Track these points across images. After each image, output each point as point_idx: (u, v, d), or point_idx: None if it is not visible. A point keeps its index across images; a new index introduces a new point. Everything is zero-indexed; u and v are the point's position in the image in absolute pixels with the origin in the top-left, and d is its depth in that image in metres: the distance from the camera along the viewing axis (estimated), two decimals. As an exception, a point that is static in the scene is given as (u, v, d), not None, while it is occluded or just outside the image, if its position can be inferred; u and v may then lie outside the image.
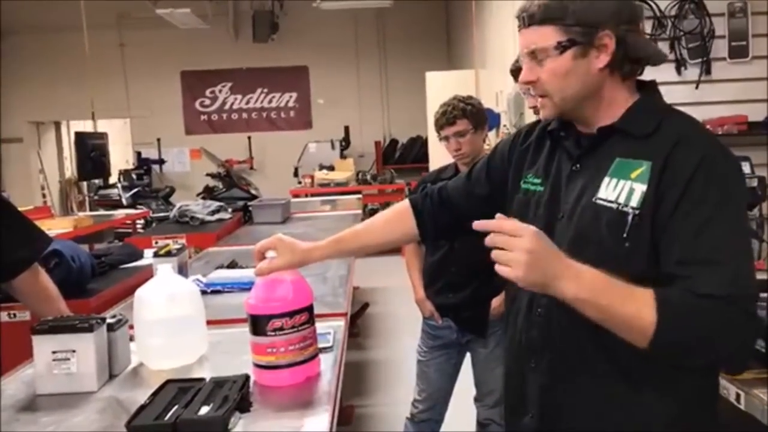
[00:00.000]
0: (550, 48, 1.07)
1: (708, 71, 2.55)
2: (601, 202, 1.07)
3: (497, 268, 0.96)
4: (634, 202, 1.03)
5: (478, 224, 0.97)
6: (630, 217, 1.03)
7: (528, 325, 1.16)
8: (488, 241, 0.96)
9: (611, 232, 1.04)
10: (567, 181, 1.14)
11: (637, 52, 1.09)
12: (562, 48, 1.07)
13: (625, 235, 1.03)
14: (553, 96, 1.10)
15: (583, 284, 0.96)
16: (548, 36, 1.07)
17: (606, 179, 1.07)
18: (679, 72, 2.55)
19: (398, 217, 1.43)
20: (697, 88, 2.55)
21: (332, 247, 1.40)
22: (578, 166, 1.14)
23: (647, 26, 2.50)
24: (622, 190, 1.05)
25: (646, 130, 1.07)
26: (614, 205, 1.05)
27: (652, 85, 1.15)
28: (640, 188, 1.03)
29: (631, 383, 1.06)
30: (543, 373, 1.14)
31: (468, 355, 2.42)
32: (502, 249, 0.95)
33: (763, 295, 1.64)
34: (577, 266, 0.97)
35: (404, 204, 1.44)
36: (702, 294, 0.95)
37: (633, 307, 0.96)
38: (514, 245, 0.94)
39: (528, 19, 1.09)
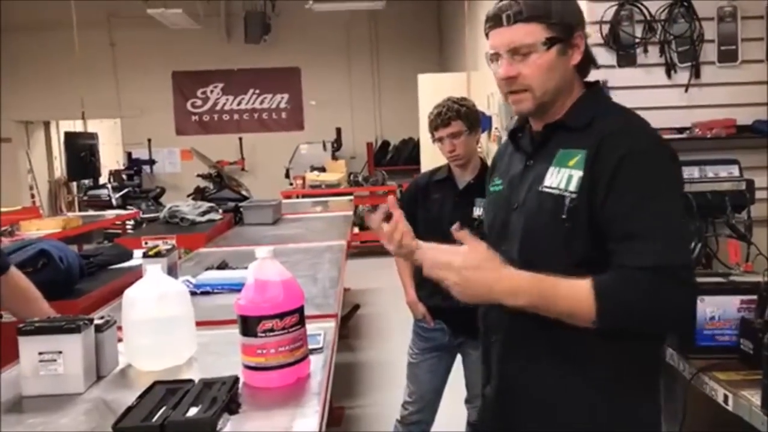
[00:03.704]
0: (537, 44, 1.16)
1: (697, 75, 2.56)
2: (546, 189, 1.18)
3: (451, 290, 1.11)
4: (572, 186, 1.14)
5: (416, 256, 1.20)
6: (567, 200, 1.14)
7: (488, 308, 1.29)
8: (427, 273, 1.13)
9: (553, 216, 1.15)
10: (521, 175, 1.27)
11: (590, 54, 1.24)
12: (549, 43, 1.16)
13: (564, 216, 1.14)
14: (535, 90, 1.18)
15: (521, 296, 1.10)
16: (535, 33, 1.16)
17: (551, 169, 1.19)
18: (668, 75, 2.56)
19: None
20: (686, 91, 2.56)
21: None
22: (531, 161, 1.26)
23: (638, 29, 2.52)
24: (562, 177, 1.16)
25: (583, 122, 1.18)
26: (556, 191, 1.16)
27: (596, 84, 1.28)
28: (577, 174, 1.14)
29: (568, 357, 1.17)
30: (499, 348, 1.28)
31: (459, 357, 2.42)
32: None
33: (753, 297, 1.66)
34: (510, 280, 1.10)
35: None
36: (633, 267, 1.07)
37: (569, 300, 1.08)
38: (448, 272, 1.10)
39: (514, 17, 1.16)
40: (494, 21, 1.19)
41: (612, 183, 1.10)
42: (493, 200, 1.36)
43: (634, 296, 1.07)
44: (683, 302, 1.10)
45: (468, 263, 1.09)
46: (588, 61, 1.24)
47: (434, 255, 1.13)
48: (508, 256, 1.22)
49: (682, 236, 1.12)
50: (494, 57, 1.21)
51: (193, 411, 1.11)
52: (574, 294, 1.08)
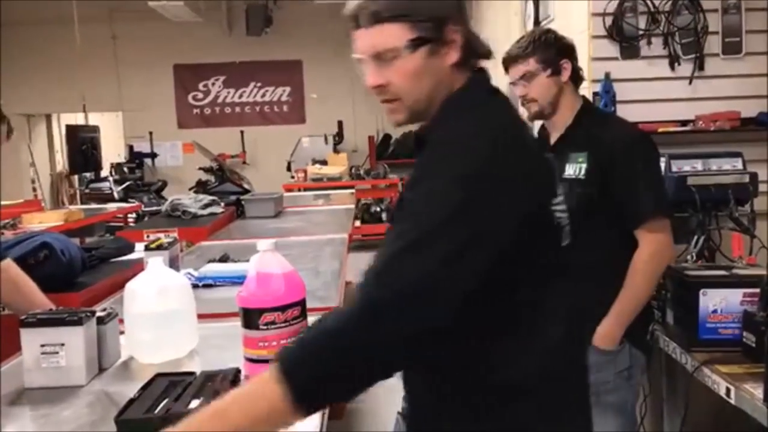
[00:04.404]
0: (400, 47, 0.99)
1: (701, 67, 2.55)
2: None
3: None
4: None
5: None
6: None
7: None
8: None
9: None
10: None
11: (478, 47, 1.05)
12: (414, 46, 0.99)
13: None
14: (405, 99, 1.02)
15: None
16: (397, 34, 0.98)
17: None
18: (672, 68, 2.55)
19: None
20: (690, 83, 2.55)
21: None
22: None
23: (641, 21, 2.51)
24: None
25: (433, 132, 1.04)
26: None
27: (477, 75, 1.06)
28: None
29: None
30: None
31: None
32: None
33: (755, 290, 1.66)
34: (184, 425, 0.85)
35: None
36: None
37: (246, 401, 0.85)
38: None
39: (372, 17, 0.99)
40: (353, 22, 1.02)
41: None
42: None
43: (314, 341, 0.87)
44: (370, 324, 0.87)
45: None
46: (471, 55, 1.04)
47: None
48: None
49: (424, 263, 0.87)
50: (362, 62, 1.04)
51: (195, 403, 1.10)
52: (252, 391, 0.86)
